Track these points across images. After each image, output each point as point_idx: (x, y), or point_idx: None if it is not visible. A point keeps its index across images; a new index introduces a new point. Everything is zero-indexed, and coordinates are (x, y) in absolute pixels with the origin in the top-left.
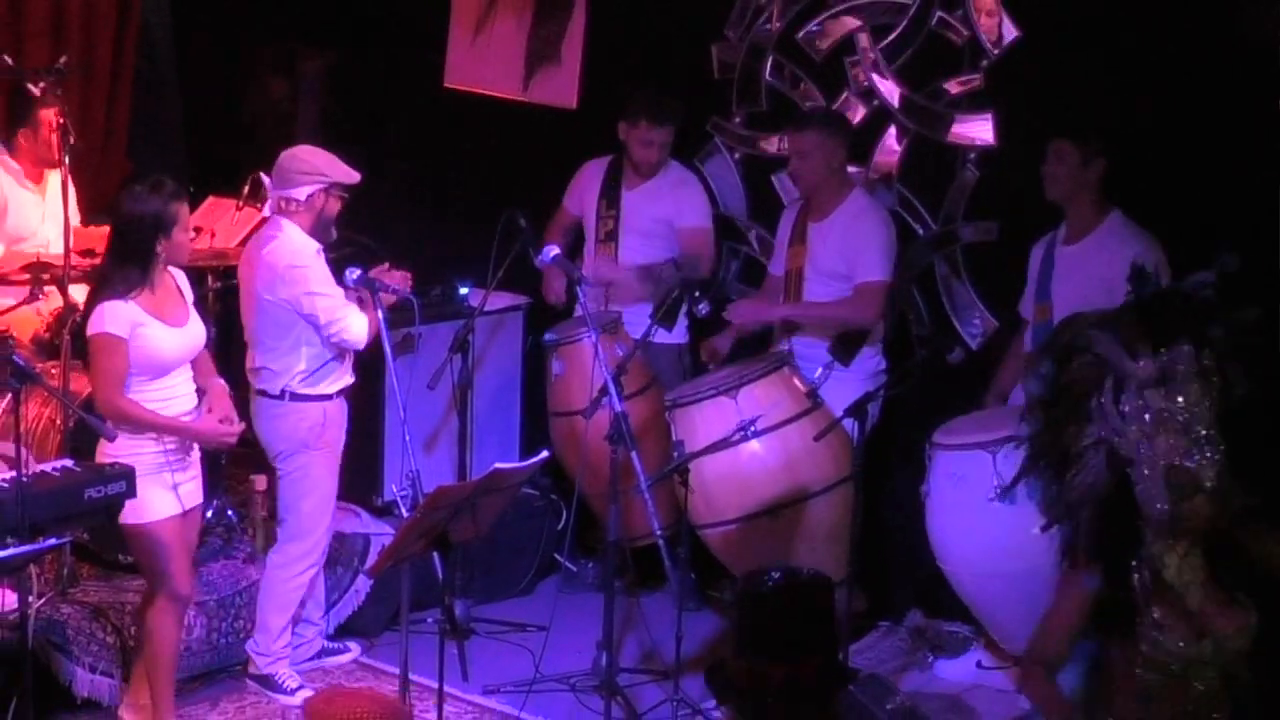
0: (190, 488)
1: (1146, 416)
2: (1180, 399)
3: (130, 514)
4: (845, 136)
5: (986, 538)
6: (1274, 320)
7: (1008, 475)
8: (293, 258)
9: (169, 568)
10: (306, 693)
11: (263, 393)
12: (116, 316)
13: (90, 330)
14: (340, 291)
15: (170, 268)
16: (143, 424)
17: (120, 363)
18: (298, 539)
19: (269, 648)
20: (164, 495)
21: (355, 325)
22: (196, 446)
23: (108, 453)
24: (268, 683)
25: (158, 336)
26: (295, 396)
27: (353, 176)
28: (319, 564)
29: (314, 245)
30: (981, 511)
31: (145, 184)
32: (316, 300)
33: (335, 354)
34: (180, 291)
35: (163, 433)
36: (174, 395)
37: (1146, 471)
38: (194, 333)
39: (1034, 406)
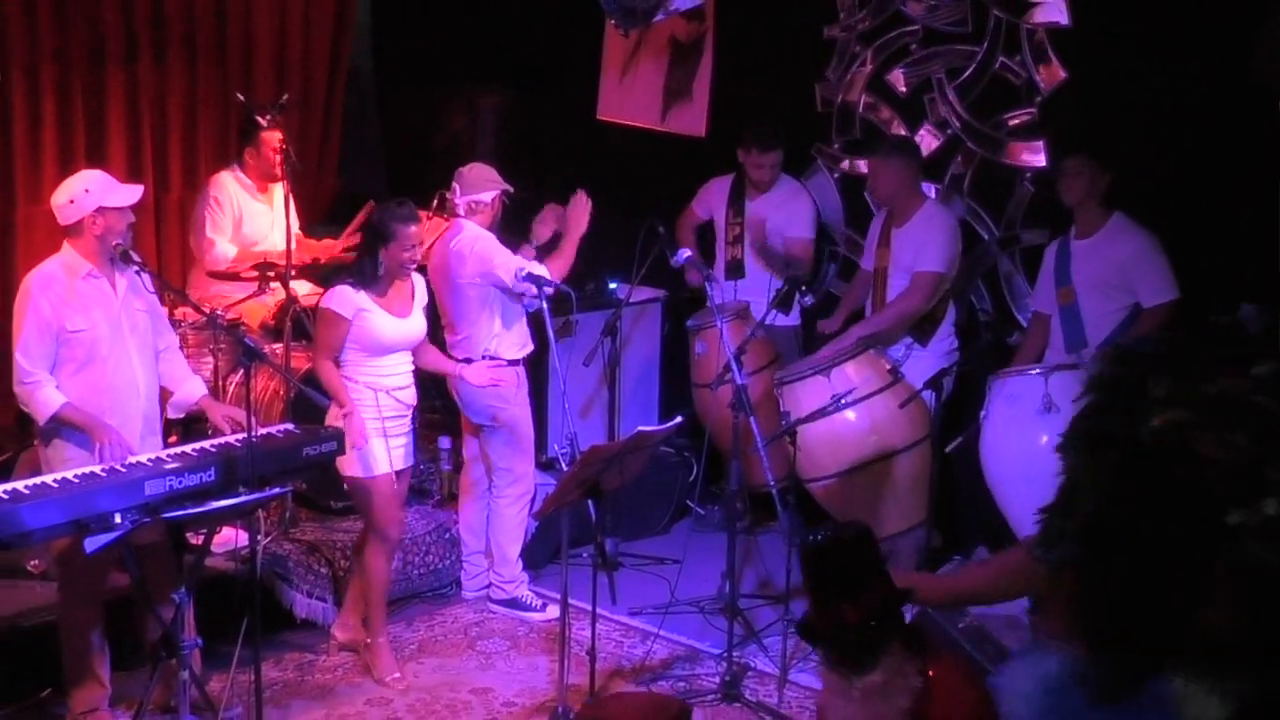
0: (402, 451)
1: None
2: None
3: (351, 469)
4: (909, 159)
5: (1031, 447)
6: (1274, 323)
7: (1055, 395)
8: (475, 241)
9: (382, 516)
10: (554, 610)
11: (467, 360)
12: (343, 299)
13: (320, 304)
14: (511, 254)
15: (415, 275)
16: (325, 383)
17: (333, 335)
18: (517, 481)
19: (512, 574)
20: (381, 454)
21: (540, 265)
22: (410, 415)
23: (336, 417)
24: (516, 604)
25: (378, 322)
26: (494, 360)
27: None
28: (534, 495)
29: (490, 234)
30: (1031, 423)
31: (393, 202)
32: (497, 260)
33: (520, 320)
34: (412, 292)
35: (337, 399)
36: (389, 373)
37: None
38: (413, 326)
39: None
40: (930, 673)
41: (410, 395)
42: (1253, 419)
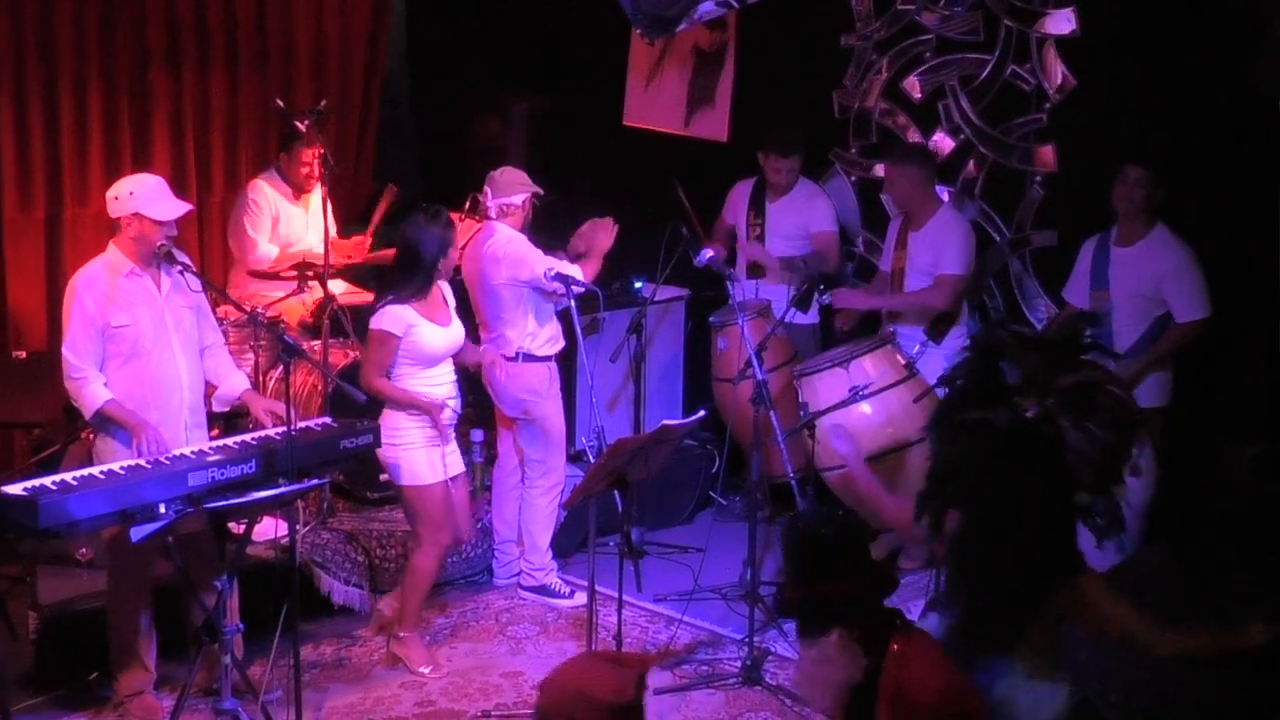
0: (453, 458)
1: None
2: None
3: (407, 478)
4: (923, 165)
5: None
6: (1274, 322)
7: None
8: (509, 245)
9: (436, 520)
10: (582, 596)
11: (501, 357)
12: (394, 318)
13: (371, 325)
14: (542, 255)
15: (442, 283)
16: (390, 399)
17: (385, 354)
18: (548, 473)
19: (542, 562)
20: (433, 464)
21: (571, 266)
22: (455, 422)
23: (387, 424)
24: (545, 591)
25: (428, 334)
26: (527, 357)
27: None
28: (564, 486)
29: (521, 236)
30: None
31: (427, 214)
32: (529, 261)
33: (551, 318)
34: (444, 298)
35: (402, 405)
36: (439, 383)
37: None
38: (455, 332)
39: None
40: (895, 649)
41: (457, 404)
42: (1108, 410)
